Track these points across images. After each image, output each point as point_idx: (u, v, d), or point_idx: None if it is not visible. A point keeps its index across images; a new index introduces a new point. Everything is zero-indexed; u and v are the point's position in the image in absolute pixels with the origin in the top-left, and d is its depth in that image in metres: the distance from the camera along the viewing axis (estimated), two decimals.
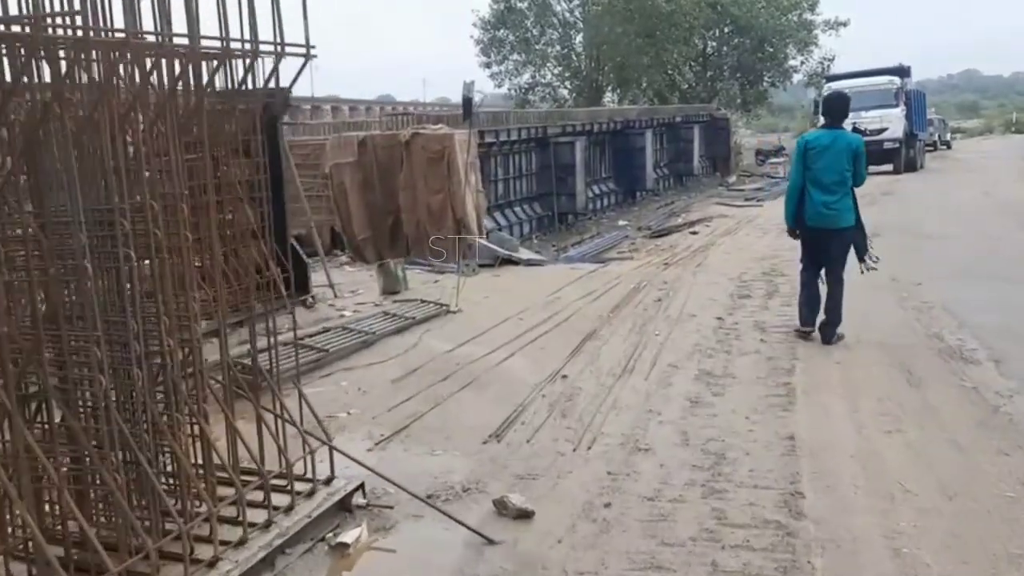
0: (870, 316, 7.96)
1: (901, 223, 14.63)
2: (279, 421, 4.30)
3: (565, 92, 38.46)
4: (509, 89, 37.12)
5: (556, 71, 37.95)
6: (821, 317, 7.29)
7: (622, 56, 34.92)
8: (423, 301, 9.37)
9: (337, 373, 7.12)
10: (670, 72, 39.97)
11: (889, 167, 27.86)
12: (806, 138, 7.29)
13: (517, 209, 17.44)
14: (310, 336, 7.98)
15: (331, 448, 4.40)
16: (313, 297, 9.68)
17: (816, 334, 7.30)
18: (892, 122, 28.05)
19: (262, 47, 3.94)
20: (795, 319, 7.70)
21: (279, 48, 3.90)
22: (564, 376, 6.63)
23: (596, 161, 21.60)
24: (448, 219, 13.76)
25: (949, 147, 45.30)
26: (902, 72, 30.21)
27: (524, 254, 12.68)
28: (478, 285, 10.76)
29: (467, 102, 8.88)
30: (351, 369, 7.20)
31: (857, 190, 7.23)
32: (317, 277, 11.05)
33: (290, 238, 9.63)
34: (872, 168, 27.97)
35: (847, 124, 10.87)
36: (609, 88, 38.67)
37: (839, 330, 7.25)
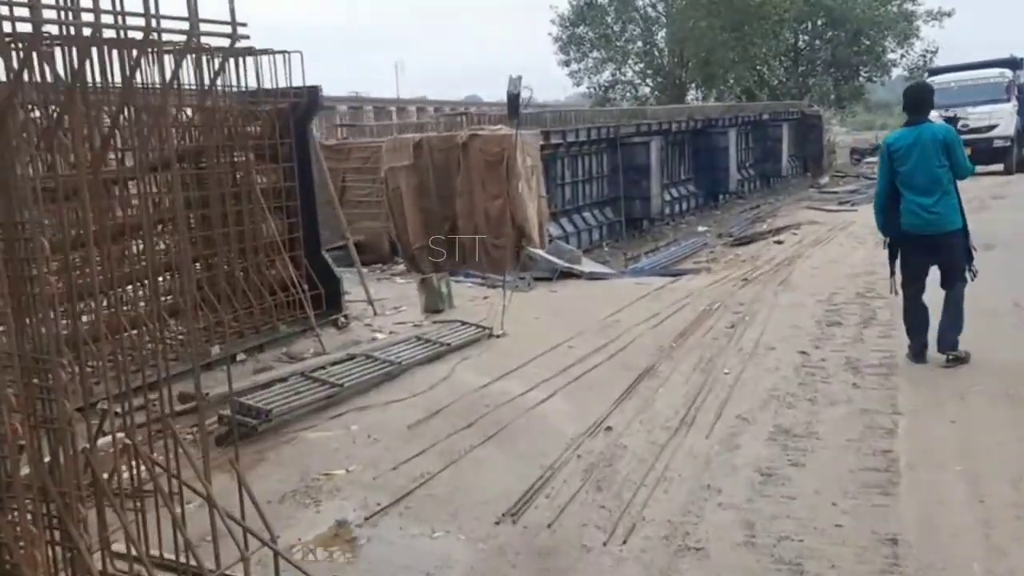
0: (990, 354, 6.50)
1: (1020, 233, 12.81)
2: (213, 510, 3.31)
3: (647, 90, 36.92)
4: (588, 88, 35.85)
5: (637, 68, 36.45)
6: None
7: (707, 51, 33.19)
8: (463, 323, 8.33)
9: (350, 413, 6.14)
10: (759, 68, 37.96)
11: (999, 167, 25.44)
12: (887, 140, 6.54)
13: (586, 215, 16.25)
14: (334, 364, 7.05)
15: (276, 554, 3.37)
16: (346, 316, 8.77)
17: (932, 358, 6.21)
18: (1003, 118, 25.60)
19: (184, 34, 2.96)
20: (894, 355, 6.34)
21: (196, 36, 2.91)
22: (608, 428, 5.49)
23: (674, 162, 20.19)
24: (507, 226, 12.70)
25: None
26: (1014, 64, 27.60)
27: (586, 266, 11.51)
28: (530, 303, 9.67)
29: (513, 99, 7.81)
30: (366, 409, 6.22)
31: (964, 193, 6.15)
32: (359, 291, 10.20)
33: (323, 251, 8.75)
34: (980, 169, 25.93)
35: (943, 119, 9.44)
36: (693, 85, 36.93)
37: (960, 348, 6.32)
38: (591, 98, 35.64)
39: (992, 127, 25.44)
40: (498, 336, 8.09)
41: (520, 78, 7.62)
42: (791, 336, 7.53)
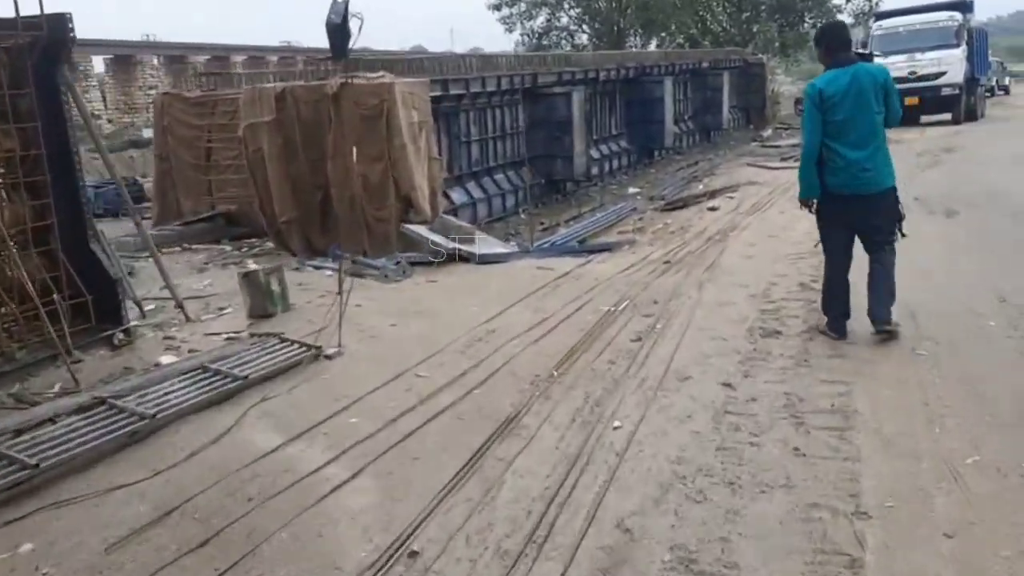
0: (984, 386, 4.58)
1: (979, 193, 11.02)
2: None
3: (584, 38, 34.48)
4: (522, 35, 33.26)
5: (573, 13, 33.93)
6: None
7: None
8: (282, 340, 6.15)
9: (40, 514, 3.97)
10: (701, 14, 35.78)
11: (947, 116, 23.89)
12: (817, 84, 5.38)
13: (498, 177, 14.03)
14: (47, 421, 4.83)
15: None
16: (127, 332, 6.48)
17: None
18: (952, 65, 23.97)
19: None
20: (850, 388, 4.42)
21: None
22: (413, 554, 3.40)
23: (603, 116, 18.00)
24: (390, 196, 10.45)
25: (1007, 92, 40.69)
26: (964, 7, 25.93)
27: (479, 246, 9.34)
28: (394, 300, 7.52)
29: (336, 31, 5.53)
30: (69, 504, 4.04)
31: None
32: (192, 282, 7.95)
33: (92, 242, 6.43)
34: (926, 118, 24.29)
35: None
36: (633, 33, 34.59)
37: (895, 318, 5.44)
38: (524, 46, 33.10)
39: (940, 74, 23.82)
40: (329, 357, 5.96)
41: (346, 2, 5.30)
42: (714, 354, 5.51)
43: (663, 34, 35.44)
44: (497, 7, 32.73)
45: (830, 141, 5.29)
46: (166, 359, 6.08)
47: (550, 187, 15.27)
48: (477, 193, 13.30)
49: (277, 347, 6.02)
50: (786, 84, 44.53)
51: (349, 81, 10.33)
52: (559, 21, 33.71)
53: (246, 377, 5.39)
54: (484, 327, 6.44)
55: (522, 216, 14.29)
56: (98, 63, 32.79)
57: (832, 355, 5.32)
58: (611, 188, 16.95)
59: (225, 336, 6.65)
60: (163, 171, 13.50)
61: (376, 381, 5.42)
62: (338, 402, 5.10)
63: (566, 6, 33.54)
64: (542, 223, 13.54)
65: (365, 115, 10.34)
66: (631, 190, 16.69)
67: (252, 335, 6.49)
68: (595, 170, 17.11)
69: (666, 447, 4.19)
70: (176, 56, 33.68)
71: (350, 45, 5.76)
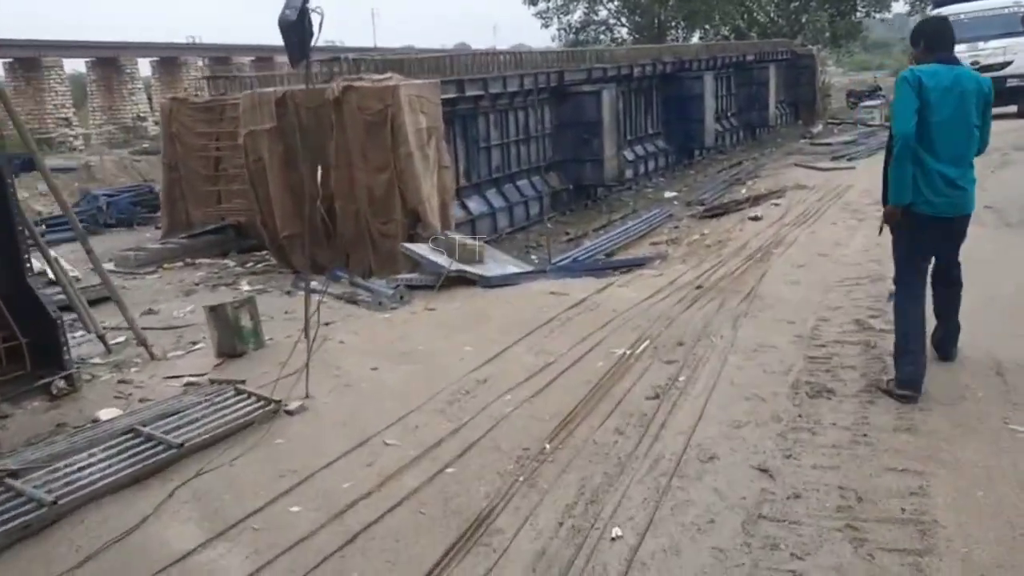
0: None
1: None
2: None
3: (624, 32, 33.22)
4: (558, 30, 32.11)
5: (612, 6, 32.68)
6: None
7: None
8: (238, 391, 5.25)
9: None
10: (747, 4, 34.22)
11: (1012, 109, 22.14)
12: (919, 72, 4.40)
13: (521, 183, 13.04)
14: None
15: None
16: (69, 379, 5.62)
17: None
18: (1018, 53, 22.18)
19: None
20: (927, 483, 3.35)
21: None
22: None
23: (638, 115, 16.86)
24: (396, 209, 9.53)
25: None
26: None
27: (487, 266, 8.36)
28: (380, 336, 6.57)
29: (290, 28, 4.58)
30: None
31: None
32: (171, 307, 7.14)
33: (31, 276, 5.60)
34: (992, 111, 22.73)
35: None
36: (675, 26, 33.21)
37: None
38: (560, 42, 31.97)
39: (1006, 64, 22.08)
40: (291, 412, 5.04)
41: None
42: (748, 422, 4.43)
43: (707, 27, 33.99)
44: (532, 1, 31.69)
45: (921, 150, 4.36)
46: (107, 413, 5.22)
47: (578, 193, 14.22)
48: (497, 202, 12.32)
49: (231, 401, 5.11)
50: (837, 76, 42.70)
51: (352, 84, 9.42)
52: (597, 15, 32.52)
53: (181, 445, 4.49)
54: (475, 375, 5.45)
55: (548, 225, 13.28)
56: (144, 66, 32.68)
57: (899, 427, 4.21)
58: (646, 192, 15.82)
59: (185, 381, 5.77)
60: (172, 180, 12.78)
61: (336, 449, 4.47)
62: (283, 480, 4.17)
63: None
64: (567, 233, 12.51)
65: (368, 121, 9.44)
66: (668, 194, 15.55)
67: (212, 382, 5.60)
68: (629, 173, 16.00)
69: (678, 574, 3.16)
70: (221, 57, 33.38)
71: (312, 44, 4.74)
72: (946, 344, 4.93)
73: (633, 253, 11.15)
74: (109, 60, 31.40)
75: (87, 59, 37.38)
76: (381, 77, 9.63)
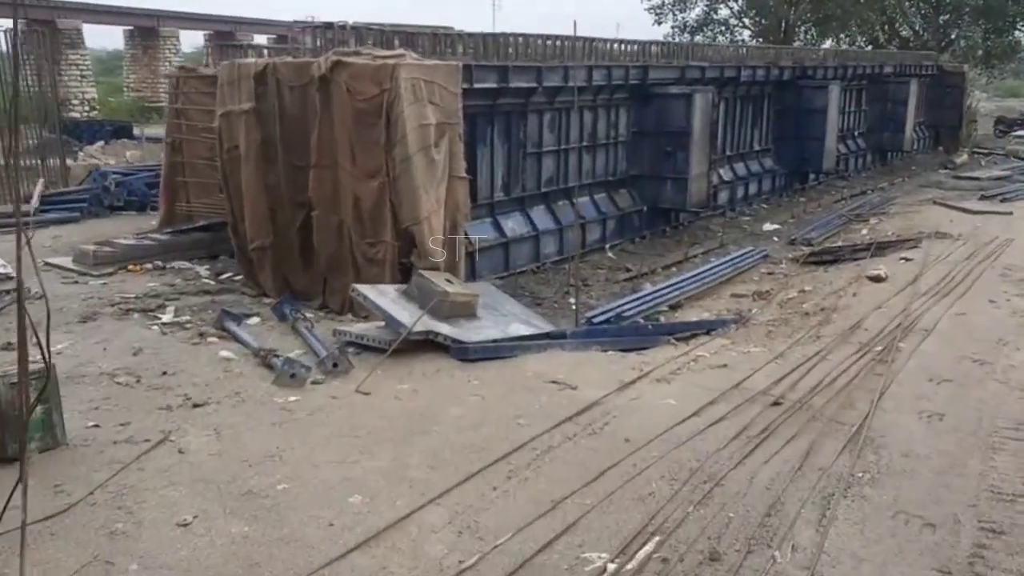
0: None
1: None
2: None
3: (746, 35, 29.81)
4: (672, 27, 29.04)
5: (735, 6, 29.34)
6: None
7: None
8: None
9: None
10: (889, 13, 30.22)
11: None
12: None
13: (580, 200, 10.41)
14: None
15: None
16: None
17: None
18: None
19: None
20: None
21: None
22: None
23: (742, 127, 13.89)
24: (386, 228, 7.14)
25: None
26: None
27: (480, 323, 5.80)
28: (244, 447, 4.15)
29: None
30: None
31: None
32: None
33: None
34: None
35: None
36: (803, 30, 29.58)
37: None
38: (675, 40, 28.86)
39: None
40: None
41: None
42: None
43: (841, 35, 30.20)
44: None
45: None
46: None
47: (654, 217, 11.46)
48: (544, 222, 9.75)
49: None
50: (981, 100, 37.71)
51: (343, 60, 7.08)
52: (716, 13, 29.27)
53: None
54: (336, 570, 2.98)
55: (609, 255, 10.62)
56: (261, 41, 31.81)
57: None
58: (742, 222, 12.87)
59: None
60: (174, 164, 10.77)
61: None
62: None
63: None
64: (628, 269, 9.81)
65: (360, 109, 7.07)
66: (767, 226, 12.57)
67: None
68: (723, 195, 13.09)
69: None
70: (282, 35, 32.18)
71: None
72: None
73: (705, 308, 8.40)
74: (226, 33, 30.84)
75: (205, 31, 37.34)
76: (386, 53, 7.27)
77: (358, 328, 5.83)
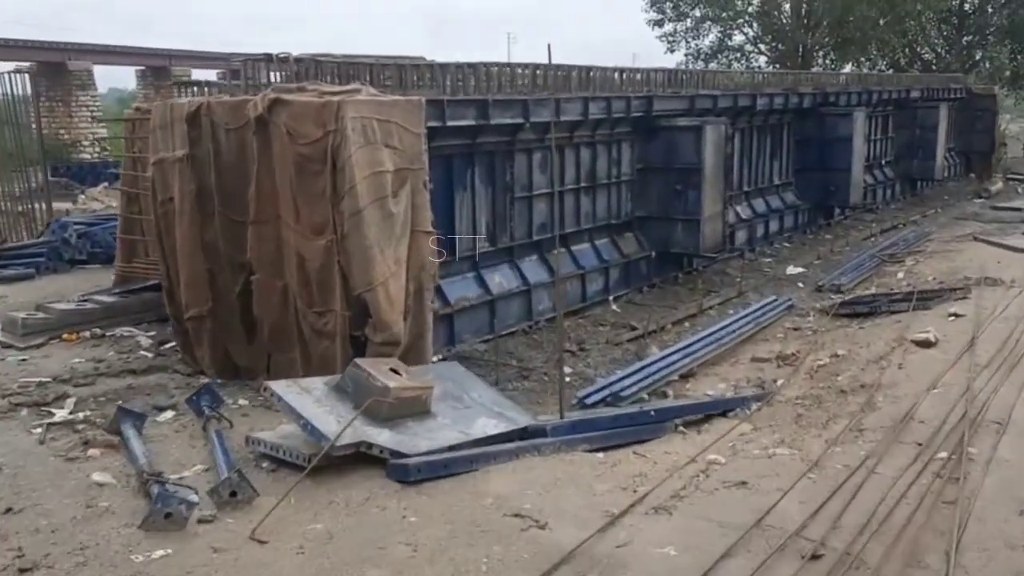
0: None
1: None
2: None
3: (763, 61, 28.61)
4: (686, 55, 27.86)
5: (751, 32, 28.15)
6: None
7: (843, 9, 24.73)
8: None
9: None
10: (910, 35, 28.94)
11: None
12: None
13: (578, 248, 9.21)
14: None
15: None
16: None
17: None
18: None
19: None
20: None
21: None
22: None
23: (760, 160, 12.65)
24: (335, 295, 5.95)
25: None
26: None
27: (433, 424, 4.56)
28: None
29: None
30: None
31: None
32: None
33: None
34: None
35: None
36: (822, 55, 28.33)
37: None
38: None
39: None
40: None
41: None
42: None
43: (861, 59, 28.89)
44: (659, 23, 27.64)
45: None
46: None
47: (664, 262, 10.20)
48: (537, 275, 8.55)
49: None
50: (1009, 122, 36.09)
51: (282, 97, 5.93)
52: (731, 40, 28.07)
53: None
54: None
55: (614, 307, 9.37)
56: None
57: None
58: (762, 264, 11.58)
59: None
60: (131, 217, 9.66)
61: None
62: None
63: (742, 22, 27.85)
64: (632, 327, 8.54)
65: (303, 155, 5.92)
66: (791, 269, 11.25)
67: None
68: (741, 235, 11.83)
69: None
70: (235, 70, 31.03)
71: None
72: None
73: (722, 377, 7.11)
74: (159, 69, 30.00)
75: (217, 70, 35.87)
76: (334, 89, 6.14)
77: (275, 436, 4.59)
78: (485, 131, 7.64)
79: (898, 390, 5.64)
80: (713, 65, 27.31)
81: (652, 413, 5.57)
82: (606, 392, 6.11)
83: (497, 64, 7.93)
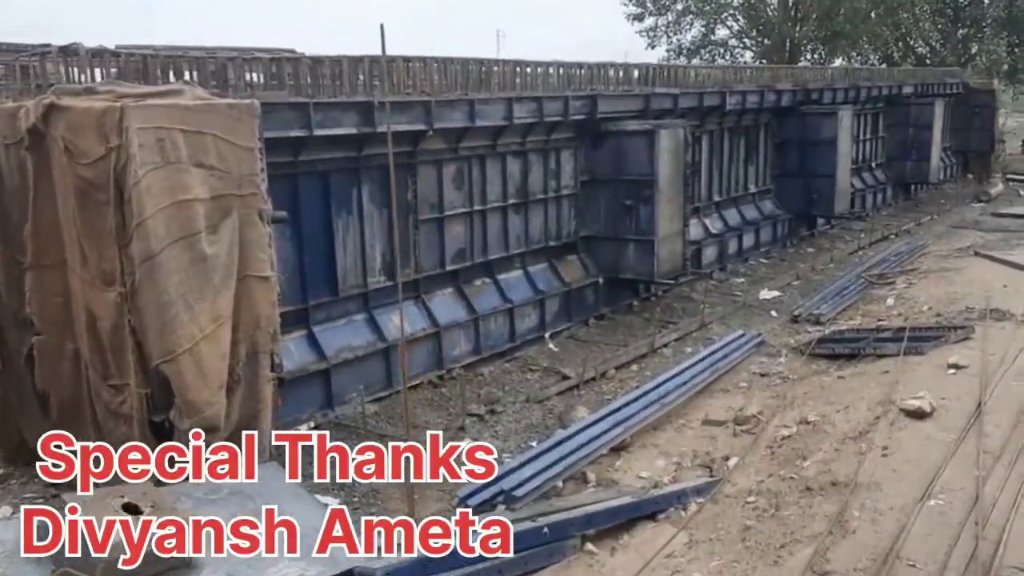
0: None
1: None
2: None
3: (748, 56, 26.99)
4: (667, 51, 26.20)
5: (735, 25, 26.53)
6: None
7: (832, 1, 23.18)
8: None
9: None
10: (903, 28, 27.38)
11: None
12: None
13: (507, 277, 7.64)
14: None
15: None
16: None
17: None
18: None
19: None
20: None
21: None
22: None
23: (732, 165, 11.06)
24: (129, 365, 4.41)
25: None
26: None
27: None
28: None
29: None
30: None
31: None
32: None
33: None
34: None
35: None
36: (810, 49, 26.74)
37: None
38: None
39: None
40: None
41: None
42: None
43: (851, 54, 27.30)
44: (638, 17, 25.96)
45: None
46: None
47: (615, 290, 8.64)
48: (450, 313, 6.98)
49: None
50: (1006, 117, 34.51)
51: (57, 103, 4.37)
52: (715, 34, 26.43)
53: None
54: None
55: (551, 346, 7.81)
56: None
57: None
58: (733, 287, 10.01)
59: None
60: None
61: None
62: None
63: (727, 16, 26.21)
64: (565, 376, 6.97)
65: (84, 178, 4.36)
66: (765, 293, 9.68)
67: None
68: (710, 253, 10.25)
69: None
70: None
71: None
72: None
73: (662, 450, 5.56)
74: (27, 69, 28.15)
75: None
76: (127, 91, 4.58)
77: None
78: (373, 141, 6.07)
79: (880, 498, 4.10)
80: (696, 61, 25.70)
81: (546, 531, 4.02)
82: (494, 489, 4.56)
83: (391, 57, 6.33)
